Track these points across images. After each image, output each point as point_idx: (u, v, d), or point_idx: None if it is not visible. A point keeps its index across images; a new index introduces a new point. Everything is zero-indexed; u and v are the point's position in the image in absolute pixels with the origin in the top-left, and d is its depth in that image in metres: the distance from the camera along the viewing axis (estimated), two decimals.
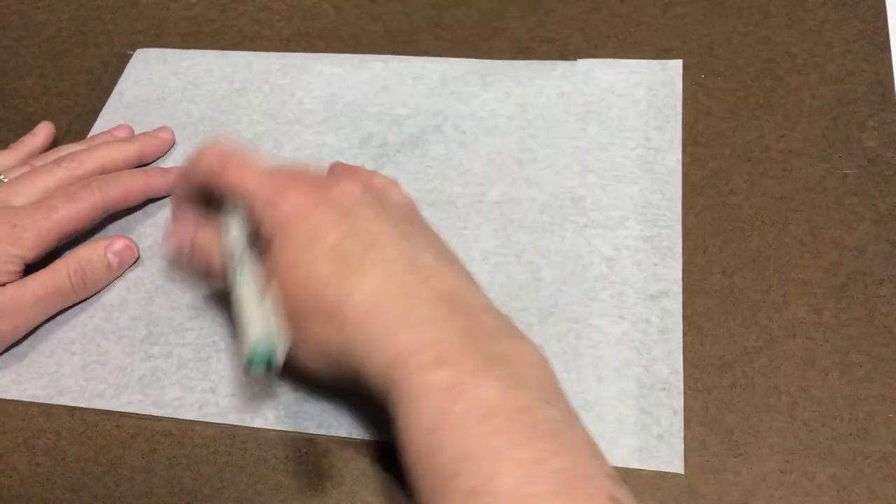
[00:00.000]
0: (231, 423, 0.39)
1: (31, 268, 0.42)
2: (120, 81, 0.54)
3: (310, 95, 0.52)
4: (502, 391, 0.29)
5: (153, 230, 0.46)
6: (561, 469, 0.27)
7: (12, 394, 0.41)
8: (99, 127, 0.52)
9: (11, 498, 0.38)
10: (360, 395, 0.33)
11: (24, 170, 0.45)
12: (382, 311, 0.32)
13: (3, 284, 0.41)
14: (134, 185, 0.46)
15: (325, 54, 0.54)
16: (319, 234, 0.34)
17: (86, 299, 0.43)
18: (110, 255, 0.43)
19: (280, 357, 0.34)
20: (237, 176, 0.37)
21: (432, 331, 0.31)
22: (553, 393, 0.31)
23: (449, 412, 0.28)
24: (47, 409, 0.41)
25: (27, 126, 0.52)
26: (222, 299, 0.43)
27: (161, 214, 0.47)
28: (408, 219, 0.37)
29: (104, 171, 0.46)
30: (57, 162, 0.45)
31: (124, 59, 0.55)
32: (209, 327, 0.43)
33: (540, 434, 0.28)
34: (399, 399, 0.30)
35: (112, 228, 0.47)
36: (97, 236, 0.46)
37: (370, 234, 0.34)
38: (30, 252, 0.42)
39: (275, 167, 0.38)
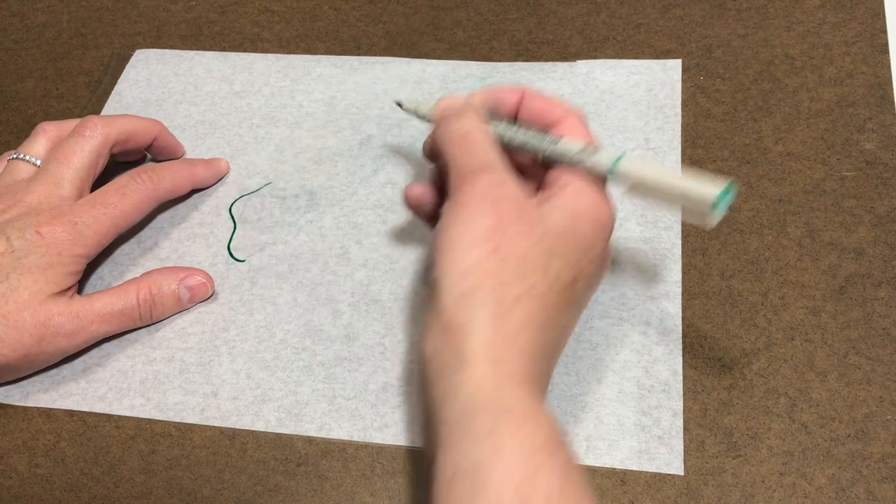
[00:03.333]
0: (232, 426, 0.39)
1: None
2: (119, 82, 0.54)
3: (310, 98, 0.52)
4: (581, 472, 0.29)
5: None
6: None
7: (15, 398, 0.41)
8: None
9: (11, 499, 0.38)
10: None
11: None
12: (542, 334, 0.32)
13: (70, 287, 0.40)
14: (181, 175, 0.46)
15: (326, 56, 0.54)
16: (590, 252, 0.34)
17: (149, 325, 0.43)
18: (183, 289, 0.42)
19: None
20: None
21: (545, 387, 0.32)
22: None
23: (554, 455, 0.28)
24: (47, 411, 0.41)
25: (27, 128, 0.52)
26: (223, 300, 0.43)
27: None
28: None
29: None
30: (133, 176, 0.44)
31: (124, 61, 0.55)
32: (211, 332, 0.43)
33: None
34: (513, 398, 0.29)
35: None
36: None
37: (591, 289, 0.35)
38: (92, 250, 0.42)
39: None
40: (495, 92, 0.38)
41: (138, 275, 0.44)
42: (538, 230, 0.32)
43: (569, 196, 0.34)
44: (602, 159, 0.34)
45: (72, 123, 0.45)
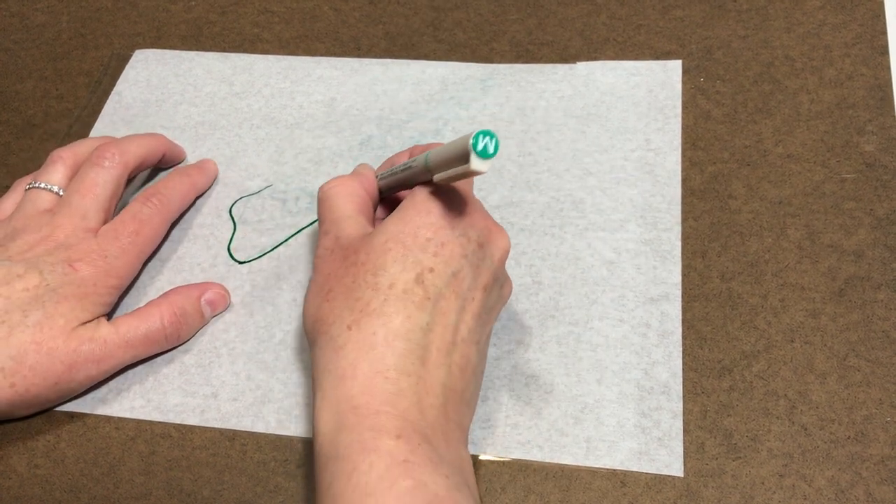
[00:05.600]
0: (232, 427, 0.39)
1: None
2: (119, 82, 0.54)
3: (310, 99, 0.52)
4: (446, 489, 0.29)
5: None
6: None
7: None
8: (99, 129, 0.52)
9: (11, 499, 0.38)
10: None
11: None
12: (388, 349, 0.32)
13: (100, 315, 0.41)
14: (185, 189, 0.46)
15: (326, 58, 0.54)
16: (442, 251, 0.34)
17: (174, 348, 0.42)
18: (205, 305, 0.42)
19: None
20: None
21: (408, 407, 0.31)
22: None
23: (394, 483, 0.29)
24: (47, 412, 0.41)
25: (27, 128, 0.52)
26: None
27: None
28: (492, 312, 0.37)
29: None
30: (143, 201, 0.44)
31: (124, 61, 0.55)
32: (210, 333, 0.43)
33: None
34: (345, 444, 0.30)
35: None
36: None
37: (463, 293, 0.34)
38: (124, 280, 0.42)
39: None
40: (394, 156, 0.42)
41: (144, 279, 0.44)
42: (362, 258, 0.34)
43: (401, 204, 0.35)
44: (419, 161, 0.36)
45: (83, 145, 0.45)
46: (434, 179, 0.35)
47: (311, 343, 0.35)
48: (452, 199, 0.35)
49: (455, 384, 0.33)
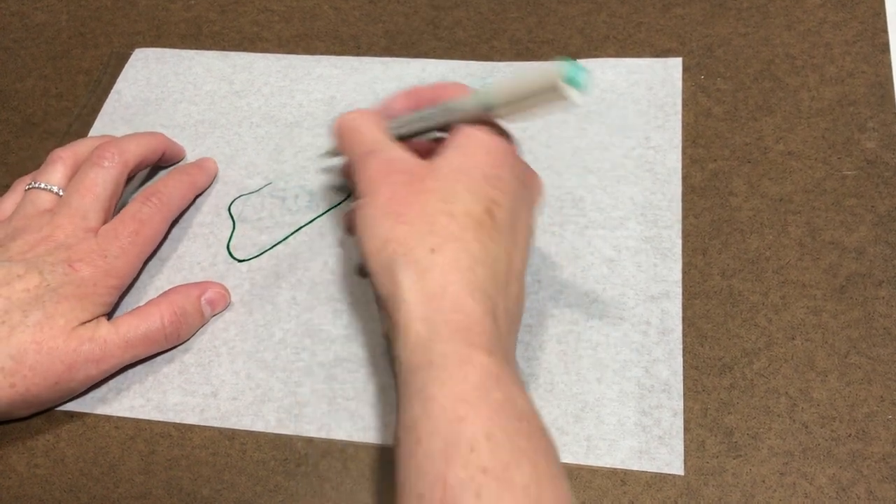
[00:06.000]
0: (232, 426, 0.39)
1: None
2: (118, 81, 0.54)
3: (310, 98, 0.52)
4: (532, 408, 0.31)
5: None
6: (566, 493, 0.29)
7: None
8: (98, 127, 0.52)
9: (11, 499, 0.38)
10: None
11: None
12: (473, 274, 0.33)
13: (100, 315, 0.40)
14: (184, 188, 0.46)
15: (325, 56, 0.54)
16: (502, 186, 0.35)
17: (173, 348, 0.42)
18: (205, 305, 0.42)
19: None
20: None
21: (494, 328, 0.32)
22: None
23: (488, 394, 0.29)
24: (46, 411, 0.41)
25: (27, 127, 0.52)
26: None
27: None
28: (530, 249, 0.38)
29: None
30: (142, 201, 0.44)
31: (124, 60, 0.55)
32: (210, 332, 0.43)
33: (556, 458, 0.30)
34: (441, 353, 0.31)
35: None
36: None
37: (517, 228, 0.35)
38: (125, 280, 0.42)
39: None
40: (385, 101, 0.41)
41: (144, 278, 0.44)
42: (430, 184, 0.34)
43: (455, 140, 0.36)
44: (469, 99, 0.36)
45: (83, 145, 0.45)
46: (501, 115, 0.35)
47: (382, 267, 0.34)
48: (503, 137, 0.36)
49: (514, 312, 0.35)
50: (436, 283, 0.32)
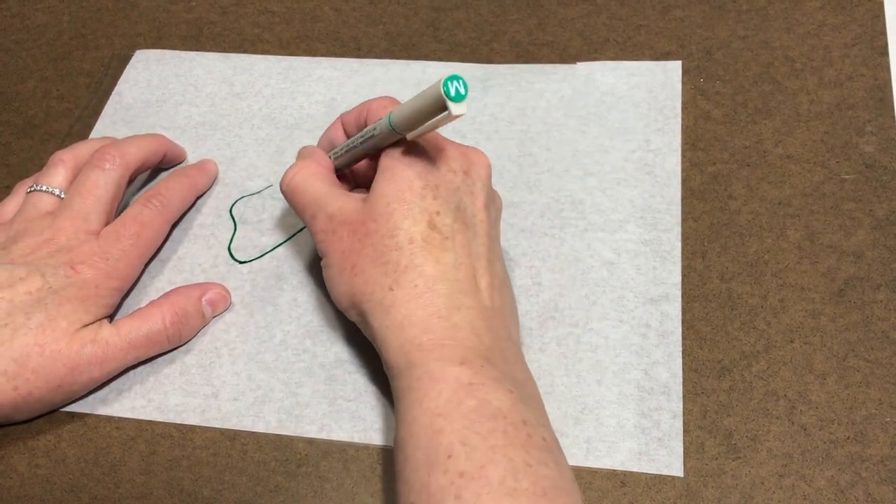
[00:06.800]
0: (233, 427, 0.39)
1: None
2: (119, 82, 0.54)
3: (310, 100, 0.52)
4: (510, 403, 0.32)
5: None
6: (547, 476, 0.30)
7: None
8: (99, 129, 0.52)
9: (11, 499, 0.38)
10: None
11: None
12: (433, 293, 0.34)
13: (102, 318, 0.41)
14: (185, 190, 0.46)
15: (326, 58, 0.54)
16: (439, 192, 0.36)
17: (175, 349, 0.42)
18: (206, 306, 0.42)
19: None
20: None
21: (466, 336, 0.34)
22: (547, 421, 0.34)
23: (461, 403, 0.31)
24: (47, 413, 0.41)
25: (28, 128, 0.52)
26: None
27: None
28: (496, 227, 0.39)
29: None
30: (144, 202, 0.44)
31: (125, 62, 0.55)
32: (211, 333, 0.43)
33: (533, 445, 0.31)
34: (416, 376, 0.33)
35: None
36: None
37: (470, 220, 0.37)
38: (126, 282, 0.42)
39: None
40: (326, 133, 0.44)
41: (145, 280, 0.44)
42: (371, 226, 0.36)
43: (381, 165, 0.37)
44: (378, 125, 0.37)
45: (84, 147, 0.45)
46: (408, 137, 0.36)
47: (357, 315, 0.37)
48: (425, 144, 0.37)
49: (494, 303, 0.36)
50: (400, 315, 0.34)
